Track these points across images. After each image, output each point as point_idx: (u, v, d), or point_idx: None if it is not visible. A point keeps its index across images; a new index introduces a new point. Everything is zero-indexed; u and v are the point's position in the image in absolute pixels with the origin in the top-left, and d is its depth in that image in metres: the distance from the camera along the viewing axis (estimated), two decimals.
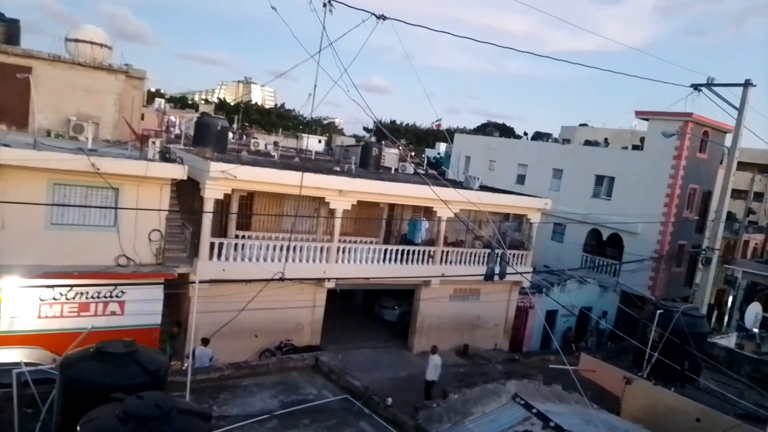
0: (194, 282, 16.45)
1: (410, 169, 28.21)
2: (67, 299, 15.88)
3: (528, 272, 23.80)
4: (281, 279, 11.39)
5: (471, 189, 22.38)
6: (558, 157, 35.49)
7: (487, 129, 69.15)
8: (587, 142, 38.81)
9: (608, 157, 33.53)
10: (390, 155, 29.88)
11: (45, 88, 19.97)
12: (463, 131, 66.98)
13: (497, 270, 21.05)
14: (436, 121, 74.44)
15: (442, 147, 55.87)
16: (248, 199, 20.94)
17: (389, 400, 10.08)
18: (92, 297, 16.27)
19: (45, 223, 15.55)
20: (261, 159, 23.51)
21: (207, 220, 17.44)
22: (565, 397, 12.32)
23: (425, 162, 35.99)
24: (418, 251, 21.65)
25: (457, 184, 22.99)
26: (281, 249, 18.79)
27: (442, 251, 22.12)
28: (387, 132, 18.28)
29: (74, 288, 15.84)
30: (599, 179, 33.15)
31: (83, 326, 15.35)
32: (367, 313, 25.29)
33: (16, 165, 14.52)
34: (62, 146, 16.42)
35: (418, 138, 73.42)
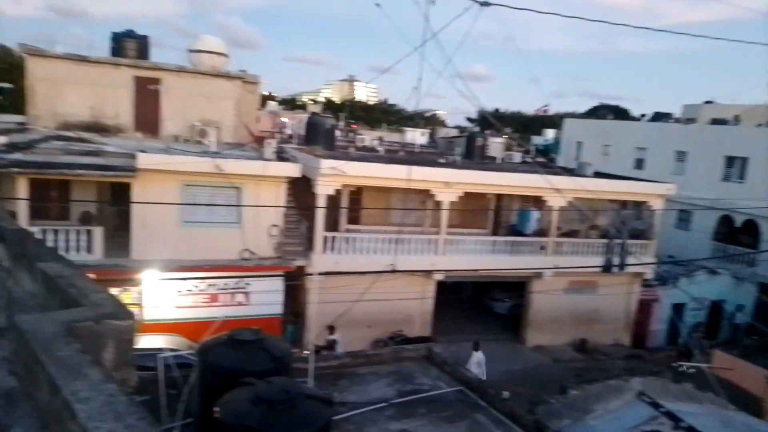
0: (311, 274, 17.22)
1: (517, 158, 27.47)
2: (199, 291, 17.33)
3: (651, 263, 22.32)
4: (393, 271, 11.61)
5: (584, 176, 21.37)
6: (681, 139, 32.81)
7: (599, 112, 65.52)
8: (714, 121, 35.48)
9: (740, 136, 30.44)
10: (495, 144, 29.22)
11: (172, 97, 21.75)
12: (572, 116, 63.99)
13: (616, 261, 19.93)
14: (543, 106, 71.68)
15: (550, 133, 53.70)
16: (357, 193, 21.53)
17: (506, 394, 9.94)
18: (221, 288, 17.62)
19: (178, 221, 17.03)
20: (367, 154, 24.02)
21: (320, 215, 18.18)
22: (698, 397, 11.44)
23: (533, 150, 34.81)
24: (529, 242, 21.08)
25: (568, 172, 22.06)
26: (390, 242, 19.13)
27: (555, 242, 21.36)
28: (493, 120, 17.89)
29: (205, 280, 17.26)
30: (730, 161, 30.20)
31: (214, 315, 16.72)
32: (477, 306, 25.04)
33: (153, 169, 16.01)
34: (189, 150, 17.88)
35: (524, 125, 71.15)
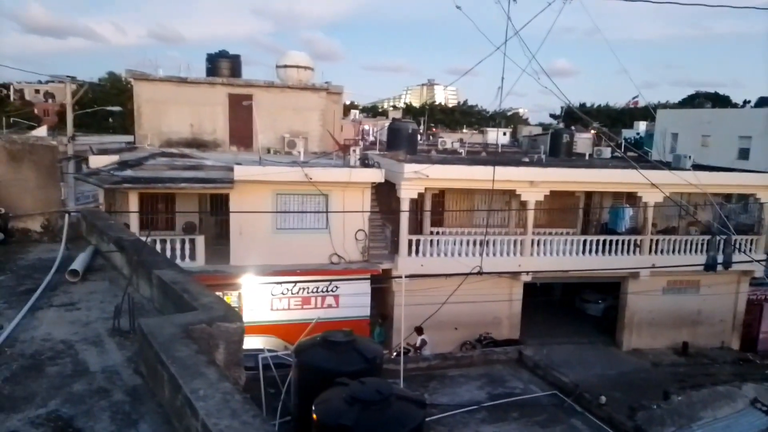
0: (397, 277, 17.46)
1: (607, 153, 26.34)
2: (292, 294, 18.09)
3: (760, 260, 20.60)
4: (479, 273, 11.55)
5: (683, 169, 20.13)
6: None
7: (696, 101, 61.27)
8: None
9: None
10: (582, 140, 28.20)
11: (263, 111, 22.88)
12: (665, 106, 60.28)
13: (720, 258, 18.56)
14: (633, 98, 68.08)
15: (641, 126, 50.93)
16: (440, 196, 21.57)
17: (603, 399, 9.59)
18: (312, 292, 18.30)
19: (272, 228, 17.90)
20: (449, 157, 24.00)
21: (404, 219, 18.40)
22: None
23: (623, 144, 33.21)
24: (622, 241, 20.14)
25: (664, 165, 20.86)
26: (474, 243, 19.00)
27: (651, 240, 20.26)
28: (580, 113, 17.31)
29: (297, 284, 17.99)
30: None
31: (307, 317, 17.38)
32: (568, 308, 24.21)
33: (248, 180, 16.94)
34: (280, 161, 18.74)
35: (612, 119, 67.91)
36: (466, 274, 11.96)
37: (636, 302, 20.54)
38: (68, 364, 3.18)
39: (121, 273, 4.75)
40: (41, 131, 24.75)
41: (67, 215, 6.08)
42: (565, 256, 19.78)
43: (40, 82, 47.61)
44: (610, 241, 19.99)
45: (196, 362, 2.62)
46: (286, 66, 23.93)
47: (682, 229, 22.39)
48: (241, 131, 23.01)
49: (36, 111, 38.18)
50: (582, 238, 20.28)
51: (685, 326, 20.99)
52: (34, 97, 46.14)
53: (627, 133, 50.84)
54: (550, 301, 24.51)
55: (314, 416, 6.98)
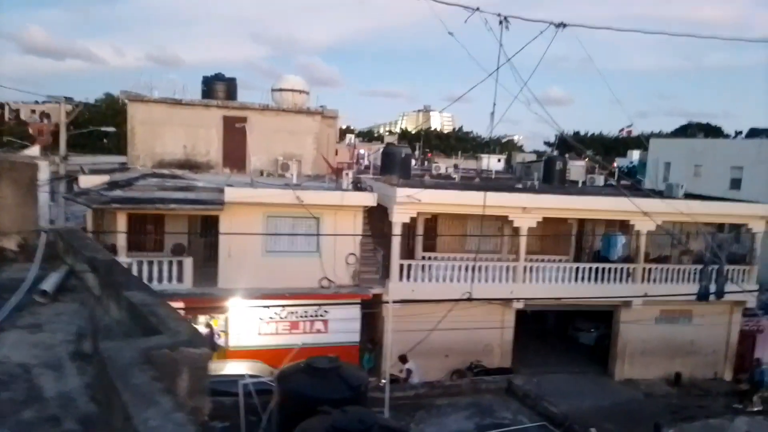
0: (385, 302, 17.28)
1: (600, 180, 26.44)
2: (281, 318, 17.82)
3: (753, 290, 20.53)
4: (469, 299, 11.40)
5: (675, 198, 20.17)
6: None
7: (689, 131, 61.97)
8: None
9: None
10: (576, 168, 28.34)
11: (257, 134, 22.88)
12: (658, 135, 60.90)
13: (713, 288, 18.48)
14: (627, 127, 68.78)
15: (634, 155, 51.33)
16: (433, 221, 21.50)
17: (593, 431, 9.38)
18: (301, 316, 18.04)
19: (261, 251, 17.72)
20: (443, 182, 24.04)
21: (396, 243, 18.29)
22: None
23: (616, 172, 33.39)
24: (615, 269, 20.05)
25: (656, 194, 20.91)
26: (467, 269, 18.86)
27: (644, 268, 20.18)
28: (573, 142, 17.39)
29: (286, 308, 17.74)
30: None
31: (295, 343, 17.10)
32: (561, 336, 24.02)
33: (238, 202, 16.84)
34: (272, 183, 18.67)
35: (606, 147, 68.49)
36: (456, 300, 11.81)
37: (629, 331, 20.36)
38: (22, 389, 3.03)
39: (93, 294, 4.61)
40: (34, 150, 24.61)
41: (44, 234, 5.94)
42: (558, 284, 19.65)
43: (36, 102, 47.77)
44: (603, 269, 19.90)
45: (151, 390, 2.48)
46: (281, 89, 24.05)
47: (674, 258, 22.37)
48: (235, 153, 22.98)
49: (31, 131, 38.21)
50: (575, 265, 20.18)
51: (678, 356, 20.78)
52: (30, 117, 46.23)
53: (620, 161, 51.21)
54: (543, 330, 24.34)
55: None
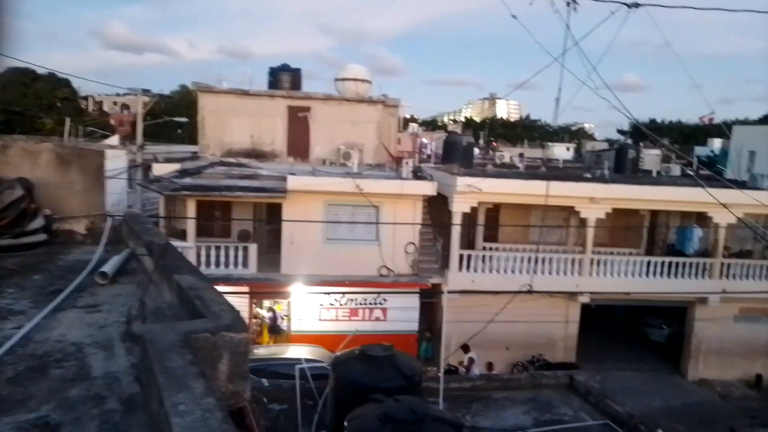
0: (441, 292, 17.15)
1: (676, 170, 24.96)
2: (340, 305, 18.06)
3: None
4: (529, 291, 11.07)
5: (759, 189, 18.74)
6: None
7: None
8: None
9: None
10: (650, 157, 26.83)
11: (320, 123, 23.19)
12: (743, 123, 56.79)
13: None
14: (708, 114, 64.51)
15: (715, 143, 48.08)
16: (494, 211, 21.04)
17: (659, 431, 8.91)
18: (360, 303, 18.21)
19: (322, 238, 17.98)
20: (505, 171, 23.46)
21: (456, 233, 18.04)
22: None
23: (694, 161, 31.40)
24: (691, 263, 18.92)
25: (739, 185, 19.49)
26: (529, 261, 18.36)
27: (722, 263, 18.92)
28: (645, 129, 16.45)
29: (346, 295, 17.95)
30: None
31: (353, 329, 17.32)
32: (629, 332, 22.96)
33: (300, 190, 17.13)
34: (333, 172, 18.85)
35: (685, 136, 64.57)
36: (515, 292, 11.49)
37: (704, 329, 19.19)
38: (72, 367, 3.15)
39: (150, 277, 4.76)
40: (113, 140, 26.08)
41: (109, 219, 6.21)
42: (627, 278, 18.78)
43: (118, 94, 50.54)
44: (677, 264, 18.81)
45: (185, 374, 2.50)
46: (344, 79, 24.18)
47: (757, 252, 20.82)
48: (299, 142, 23.36)
49: (113, 121, 40.47)
50: (646, 259, 19.21)
51: (759, 357, 19.38)
52: (112, 109, 49.06)
53: (700, 150, 48.16)
54: (610, 325, 23.34)
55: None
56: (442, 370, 10.06)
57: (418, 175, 18.89)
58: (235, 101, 23.05)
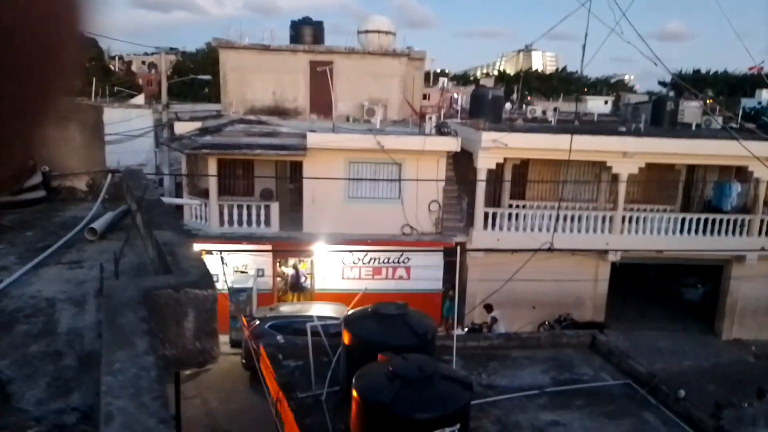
0: (470, 250, 16.90)
1: (718, 123, 23.69)
2: (363, 263, 18.03)
3: None
4: (549, 249, 10.71)
5: None
6: None
7: None
8: None
9: None
10: (690, 109, 25.54)
11: (343, 79, 22.68)
12: None
13: None
14: (758, 64, 60.94)
15: (764, 95, 45.60)
16: (522, 167, 20.45)
17: (681, 393, 8.61)
18: (383, 262, 18.14)
19: (344, 197, 17.83)
20: (535, 125, 22.64)
21: (480, 190, 17.63)
22: None
23: (739, 114, 29.76)
24: (728, 220, 18.11)
25: None
26: (557, 218, 17.85)
27: (762, 220, 18.05)
28: (681, 82, 15.53)
29: (369, 254, 17.88)
30: None
31: (378, 288, 17.30)
32: (662, 292, 22.35)
33: (321, 147, 16.90)
34: (354, 128, 18.52)
35: (731, 87, 61.32)
36: (534, 250, 11.16)
37: (740, 288, 18.50)
38: (40, 323, 3.06)
39: (139, 233, 4.65)
40: (139, 99, 26.25)
41: (109, 175, 6.12)
42: (661, 235, 18.14)
43: (145, 53, 50.71)
44: (714, 220, 18.04)
45: (133, 331, 2.35)
46: (367, 31, 23.47)
47: None
48: (322, 99, 22.95)
49: (140, 81, 40.76)
50: (681, 215, 18.47)
51: None
52: (140, 69, 49.43)
53: (747, 102, 45.71)
54: (643, 285, 22.74)
55: (353, 389, 6.77)
56: (455, 328, 9.90)
57: (441, 130, 18.39)
58: (257, 57, 22.68)
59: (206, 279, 3.09)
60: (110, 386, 1.93)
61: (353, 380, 6.88)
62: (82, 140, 6.18)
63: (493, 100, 22.56)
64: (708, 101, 42.38)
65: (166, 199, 6.17)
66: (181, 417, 3.95)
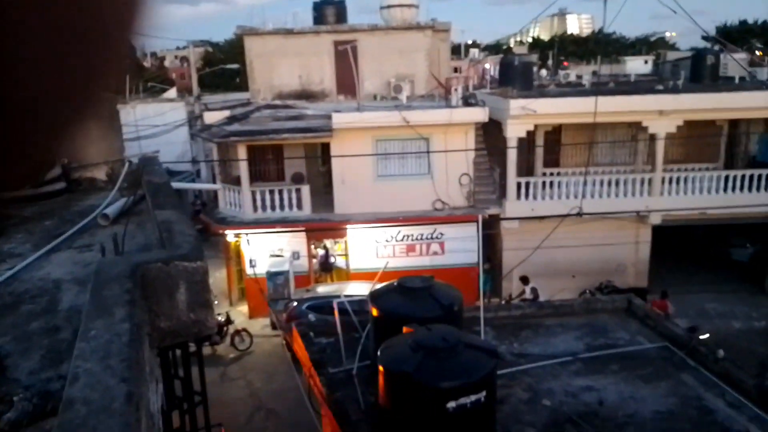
0: (503, 219, 16.71)
1: (763, 74, 22.45)
2: (397, 241, 18.07)
3: None
4: (579, 214, 10.46)
5: None
6: None
7: None
8: None
9: None
10: (735, 62, 24.25)
11: (368, 57, 22.50)
12: None
13: None
14: None
15: None
16: (555, 133, 19.94)
17: (720, 353, 8.34)
18: (417, 239, 18.14)
19: (373, 176, 17.83)
20: (568, 90, 21.99)
21: (512, 160, 17.32)
22: None
23: None
24: None
25: None
26: (594, 183, 17.41)
27: None
28: (719, 39, 14.68)
29: (402, 231, 17.91)
30: None
31: (413, 265, 17.34)
32: (709, 254, 21.50)
33: (347, 127, 16.90)
34: (379, 106, 18.42)
35: None
36: (564, 216, 10.92)
37: None
38: (44, 302, 3.21)
39: (151, 216, 4.78)
40: (171, 93, 26.82)
41: (126, 163, 6.30)
42: (704, 195, 17.48)
43: (177, 48, 51.62)
44: (760, 176, 17.18)
45: (114, 302, 2.43)
46: (389, 6, 23.15)
47: None
48: (348, 79, 22.83)
49: (174, 75, 41.62)
50: (724, 173, 17.69)
51: None
52: (173, 63, 50.46)
53: None
54: (687, 247, 21.96)
55: (379, 362, 6.85)
56: (481, 298, 9.84)
57: (468, 101, 18.09)
58: (281, 42, 22.71)
59: (196, 252, 3.16)
60: (82, 351, 2.01)
61: (379, 352, 6.96)
62: (98, 130, 6.37)
63: (522, 67, 22.00)
64: (758, 53, 40.25)
65: (176, 184, 6.31)
66: (207, 393, 4.07)
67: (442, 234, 17.91)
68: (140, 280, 2.86)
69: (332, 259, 18.07)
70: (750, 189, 17.18)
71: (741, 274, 19.68)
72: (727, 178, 17.42)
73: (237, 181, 17.71)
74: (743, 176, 17.32)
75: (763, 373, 8.55)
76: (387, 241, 17.93)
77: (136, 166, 6.35)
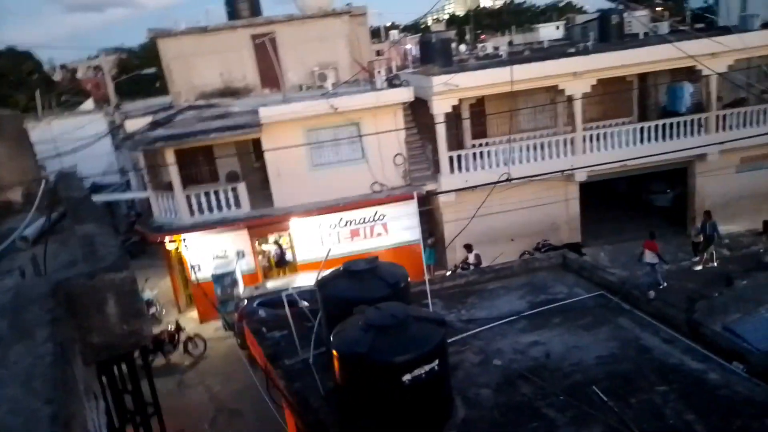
0: (438, 193, 17.07)
1: (664, 28, 23.70)
2: (340, 228, 18.14)
3: None
4: (508, 180, 10.85)
5: (749, 30, 17.77)
6: None
7: None
8: None
9: None
10: (637, 19, 25.50)
11: (288, 48, 22.21)
12: None
13: None
14: None
15: None
16: (479, 105, 20.43)
17: (651, 293, 8.93)
18: (359, 223, 18.27)
19: (308, 166, 17.76)
20: (487, 62, 22.51)
21: (441, 135, 17.65)
22: None
23: (688, 15, 29.79)
24: (685, 122, 18.38)
25: (724, 31, 18.49)
26: (521, 150, 18.01)
27: (717, 116, 18.33)
28: None
29: (344, 218, 17.97)
30: None
31: (359, 249, 17.47)
32: (634, 203, 22.80)
33: (275, 121, 16.71)
34: (306, 96, 18.29)
35: None
36: (494, 183, 11.29)
37: (706, 185, 18.95)
38: None
39: (73, 233, 4.64)
40: (88, 105, 25.58)
41: (43, 182, 6.05)
42: (623, 148, 18.41)
43: (90, 57, 49.09)
44: (671, 124, 18.29)
45: (36, 323, 2.40)
46: None
47: (753, 99, 20.06)
48: (271, 72, 22.51)
49: (89, 86, 39.58)
50: (639, 125, 18.69)
51: (765, 204, 19.19)
52: (86, 74, 47.89)
53: (696, 1, 45.58)
54: (613, 199, 23.15)
55: (332, 347, 6.93)
56: (425, 271, 10.09)
57: (393, 83, 18.25)
58: (197, 41, 22.05)
59: (120, 262, 3.13)
60: (2, 378, 1.99)
61: (331, 337, 7.04)
62: (8, 151, 6.08)
63: (440, 44, 22.33)
64: (659, 9, 42.26)
65: (97, 197, 6.12)
66: (159, 403, 4.03)
67: (383, 215, 18.11)
68: (65, 298, 2.82)
69: (287, 255, 18.01)
70: (663, 138, 18.25)
71: (665, 219, 20.97)
72: (642, 129, 18.42)
73: (169, 187, 17.22)
74: (656, 126, 18.36)
75: (692, 308, 9.21)
76: (331, 228, 17.97)
77: (53, 183, 6.12)
